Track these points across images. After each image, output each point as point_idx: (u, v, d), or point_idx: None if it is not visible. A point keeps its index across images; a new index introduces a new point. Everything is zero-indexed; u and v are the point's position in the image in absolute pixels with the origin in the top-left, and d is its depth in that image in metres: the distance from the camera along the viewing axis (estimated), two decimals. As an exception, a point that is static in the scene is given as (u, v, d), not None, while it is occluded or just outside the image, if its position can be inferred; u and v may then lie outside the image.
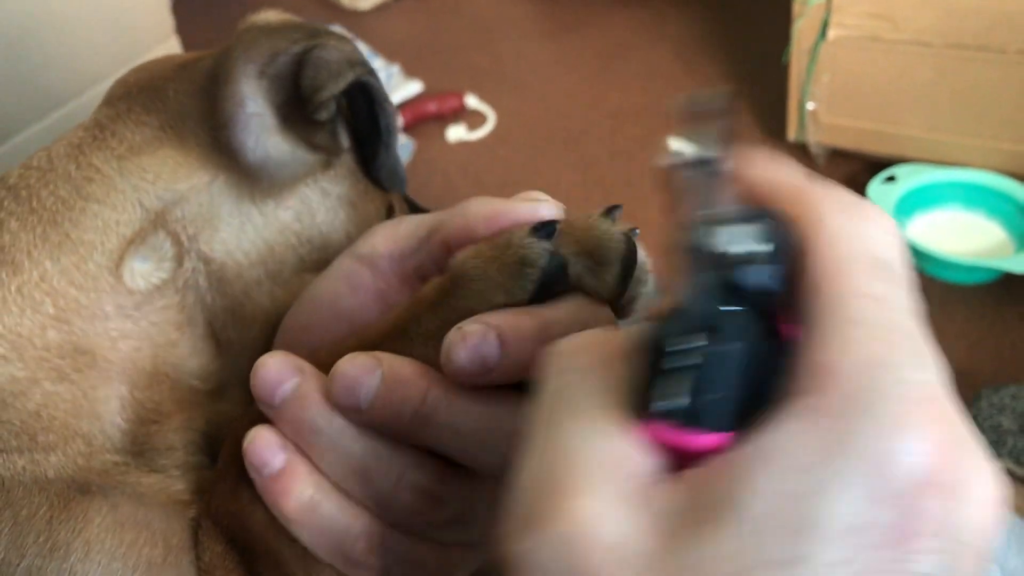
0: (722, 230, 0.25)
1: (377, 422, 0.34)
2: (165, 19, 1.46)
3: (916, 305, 0.24)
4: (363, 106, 0.48)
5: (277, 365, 0.35)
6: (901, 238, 0.26)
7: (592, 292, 0.36)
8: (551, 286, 0.35)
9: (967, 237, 1.32)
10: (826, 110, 1.41)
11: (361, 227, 0.48)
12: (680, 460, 0.23)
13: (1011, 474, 1.01)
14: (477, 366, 0.32)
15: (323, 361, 0.36)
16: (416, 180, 1.59)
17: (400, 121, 1.66)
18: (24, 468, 0.39)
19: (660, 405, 0.23)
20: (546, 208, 0.38)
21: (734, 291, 0.25)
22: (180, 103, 0.44)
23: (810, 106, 1.41)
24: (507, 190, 1.40)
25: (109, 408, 0.41)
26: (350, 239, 0.47)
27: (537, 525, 0.22)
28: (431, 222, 0.40)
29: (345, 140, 0.49)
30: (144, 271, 0.42)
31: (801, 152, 1.49)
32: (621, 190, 1.52)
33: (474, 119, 1.70)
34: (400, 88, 1.73)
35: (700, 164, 0.26)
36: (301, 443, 0.34)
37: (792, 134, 1.48)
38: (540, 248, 0.35)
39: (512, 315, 0.34)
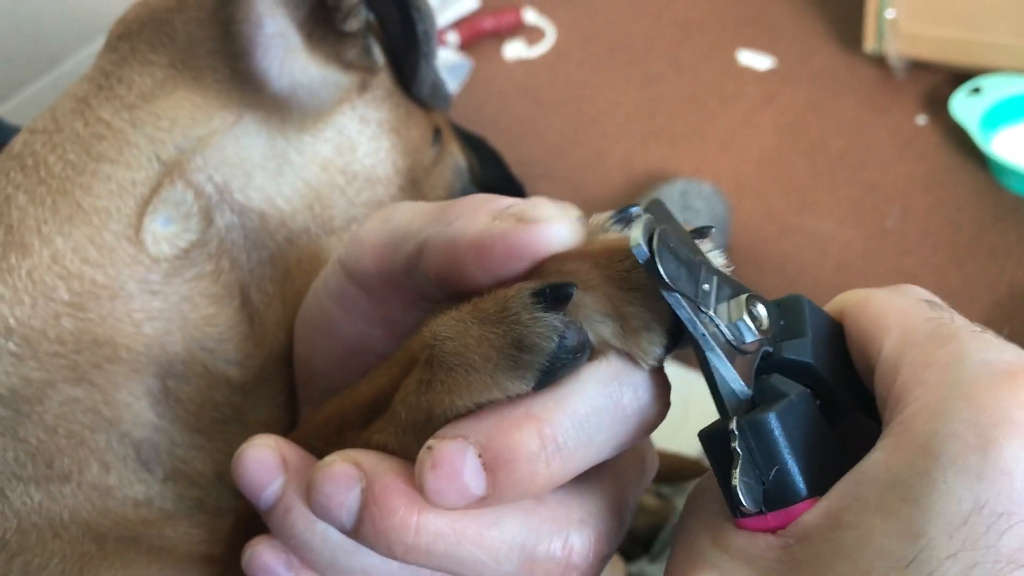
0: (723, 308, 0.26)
1: (368, 546, 0.27)
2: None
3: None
4: (394, 14, 0.43)
5: (256, 462, 0.29)
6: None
7: (629, 356, 0.27)
8: (566, 365, 0.26)
9: (1058, 152, 1.25)
10: (906, 17, 1.33)
11: (407, 155, 0.44)
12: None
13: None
14: (457, 498, 0.25)
15: (318, 429, 0.31)
16: (472, 101, 1.55)
17: (456, 40, 1.61)
18: (40, 504, 0.35)
19: (742, 510, 0.25)
20: (558, 230, 0.27)
21: (766, 370, 0.27)
22: (189, 34, 0.39)
23: (889, 13, 1.33)
24: (567, 109, 1.35)
25: (133, 413, 0.37)
26: (397, 171, 0.43)
27: None
28: (418, 232, 0.30)
29: (379, 56, 0.43)
30: (169, 234, 0.38)
31: (879, 64, 1.42)
32: (686, 107, 1.46)
33: (533, 35, 1.65)
34: (456, 4, 1.68)
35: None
36: (299, 557, 0.30)
37: (870, 44, 1.40)
38: (547, 326, 0.25)
39: (506, 422, 0.25)
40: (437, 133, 0.47)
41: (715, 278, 0.26)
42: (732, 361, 0.26)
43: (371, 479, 0.26)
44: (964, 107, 1.27)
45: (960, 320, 0.25)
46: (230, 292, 0.39)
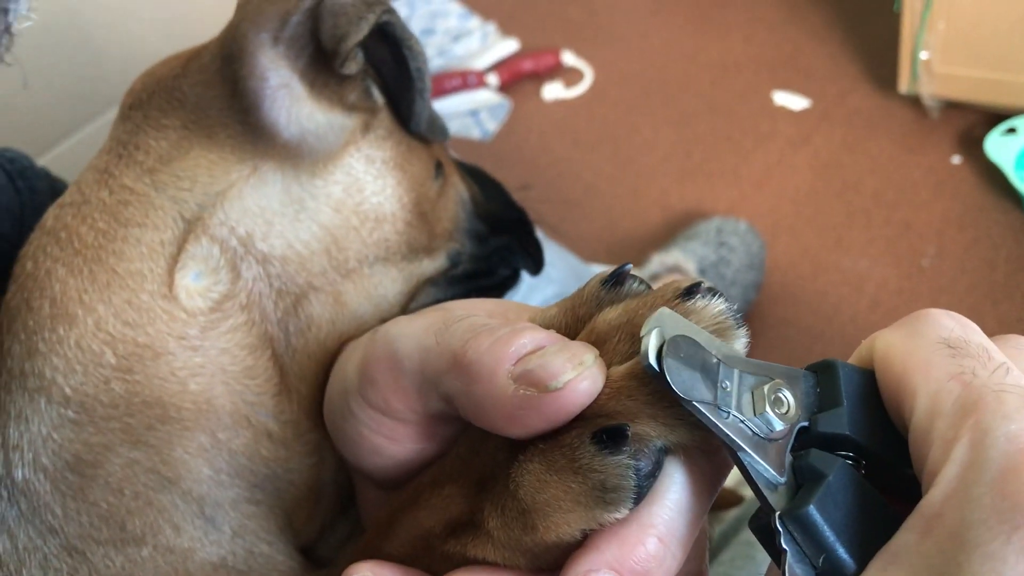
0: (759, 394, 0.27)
1: None
2: (225, 16, 1.47)
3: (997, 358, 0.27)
4: (386, 54, 0.44)
5: None
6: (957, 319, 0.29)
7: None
8: (650, 484, 0.28)
9: (1094, 191, 1.25)
10: (941, 59, 1.34)
11: (411, 190, 0.45)
12: None
13: None
14: None
15: (403, 544, 0.33)
16: (512, 140, 1.58)
17: (496, 81, 1.65)
18: (123, 567, 0.36)
19: None
20: (583, 389, 0.28)
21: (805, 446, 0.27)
22: (198, 96, 0.41)
23: (924, 55, 1.35)
24: (604, 148, 1.37)
25: (189, 470, 0.37)
26: (403, 206, 0.45)
27: None
28: (437, 380, 0.32)
29: (379, 96, 0.45)
30: (201, 288, 0.39)
31: (913, 105, 1.43)
32: (722, 146, 1.48)
33: (571, 76, 1.68)
34: (496, 47, 1.72)
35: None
36: None
37: (904, 86, 1.41)
38: (621, 466, 0.27)
39: (627, 543, 0.27)
40: (439, 167, 0.49)
41: (736, 371, 0.27)
42: (764, 450, 0.26)
43: None
44: (999, 147, 1.28)
45: (981, 369, 0.26)
46: (263, 343, 0.40)
